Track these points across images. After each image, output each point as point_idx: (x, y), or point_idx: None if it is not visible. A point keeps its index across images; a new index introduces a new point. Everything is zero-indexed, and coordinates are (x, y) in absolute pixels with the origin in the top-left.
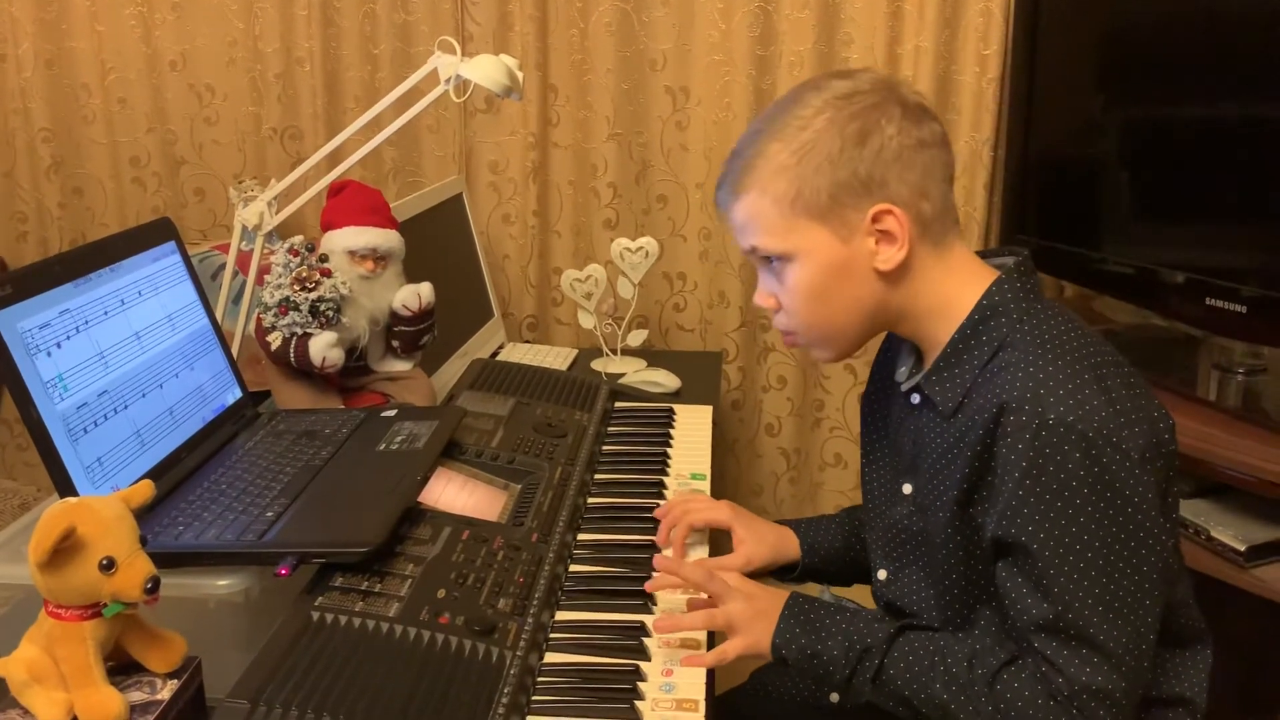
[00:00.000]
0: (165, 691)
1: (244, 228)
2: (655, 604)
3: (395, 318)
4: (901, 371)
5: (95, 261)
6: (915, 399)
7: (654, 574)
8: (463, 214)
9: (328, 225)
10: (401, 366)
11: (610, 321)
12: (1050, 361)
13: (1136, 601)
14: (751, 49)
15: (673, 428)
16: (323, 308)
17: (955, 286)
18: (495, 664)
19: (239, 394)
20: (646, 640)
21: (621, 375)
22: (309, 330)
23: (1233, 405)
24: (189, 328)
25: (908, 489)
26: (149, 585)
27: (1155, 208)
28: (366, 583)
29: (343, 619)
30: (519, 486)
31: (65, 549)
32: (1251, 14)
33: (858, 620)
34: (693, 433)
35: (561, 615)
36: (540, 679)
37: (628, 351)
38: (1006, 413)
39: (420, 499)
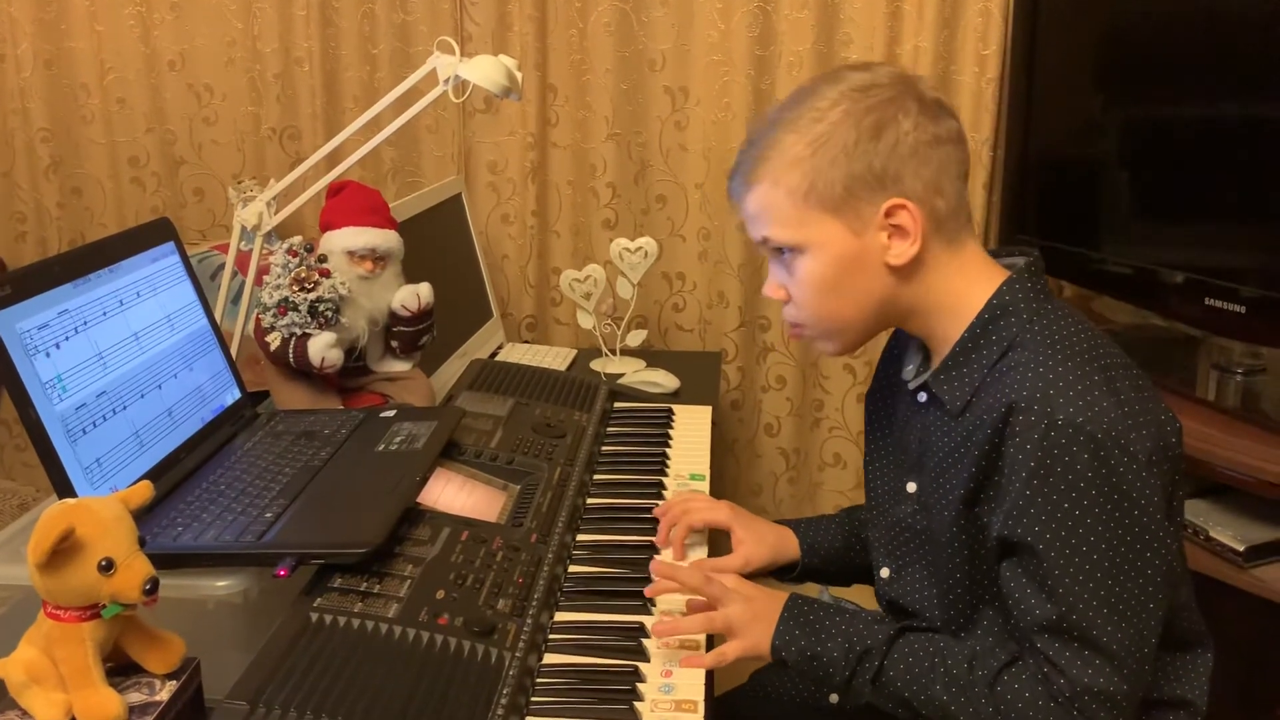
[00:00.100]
0: (164, 692)
1: (243, 228)
2: (654, 605)
3: (394, 318)
4: (909, 370)
5: (94, 262)
6: (922, 397)
7: (654, 578)
8: (462, 214)
9: (327, 225)
10: (400, 367)
11: (609, 322)
12: (1060, 362)
13: (1140, 604)
14: (750, 49)
15: (672, 428)
16: (322, 308)
17: (966, 284)
18: (494, 665)
19: (238, 394)
20: (646, 641)
21: (620, 375)
22: (308, 331)
23: (1232, 405)
24: (188, 328)
25: (912, 487)
26: (148, 586)
27: (1154, 208)
28: (365, 584)
29: (341, 620)
30: (518, 487)
31: (64, 550)
32: (1251, 14)
33: (857, 621)
34: (692, 433)
35: (560, 616)
36: (539, 680)
37: (627, 352)
38: (1015, 412)
39: (419, 500)
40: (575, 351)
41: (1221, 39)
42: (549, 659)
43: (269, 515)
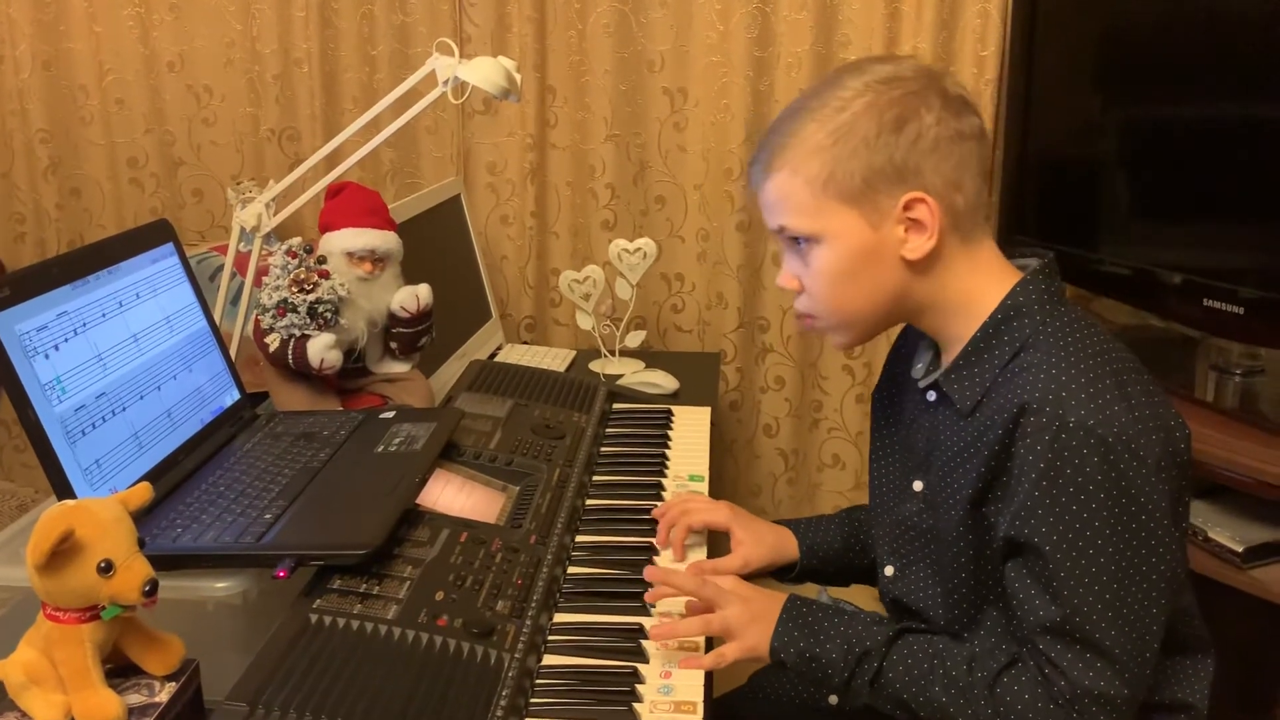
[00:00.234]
0: (163, 694)
1: (242, 229)
2: (654, 607)
3: (393, 319)
4: (918, 368)
5: (93, 263)
6: (931, 396)
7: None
8: (461, 215)
9: (326, 227)
10: (400, 368)
11: (608, 322)
12: (1072, 365)
13: (1144, 608)
14: (749, 50)
15: (671, 429)
16: (321, 309)
17: (980, 283)
18: (493, 666)
19: (237, 396)
20: (645, 642)
21: (619, 376)
22: (307, 332)
23: (1230, 406)
24: (187, 329)
25: (918, 486)
26: (147, 588)
27: (1153, 209)
28: (365, 585)
29: (341, 621)
30: (517, 488)
31: (63, 551)
32: (1251, 14)
33: (856, 623)
34: (691, 434)
35: (560, 617)
36: (538, 681)
37: (626, 352)
38: (1027, 414)
39: (418, 501)
40: (574, 352)
41: (1221, 39)
42: (548, 660)
43: (268, 516)
